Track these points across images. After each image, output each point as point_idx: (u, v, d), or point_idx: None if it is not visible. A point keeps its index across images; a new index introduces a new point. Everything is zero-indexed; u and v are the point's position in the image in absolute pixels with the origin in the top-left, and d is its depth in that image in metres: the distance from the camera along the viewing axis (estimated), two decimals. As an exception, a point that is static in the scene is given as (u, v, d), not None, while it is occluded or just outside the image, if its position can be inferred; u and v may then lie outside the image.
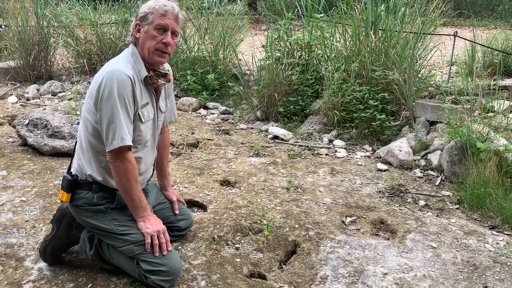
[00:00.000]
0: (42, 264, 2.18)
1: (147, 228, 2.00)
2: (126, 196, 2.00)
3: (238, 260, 2.31)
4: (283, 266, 2.37)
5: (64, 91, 5.98)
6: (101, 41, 6.29)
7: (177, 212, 2.37)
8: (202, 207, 2.94)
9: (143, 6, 2.04)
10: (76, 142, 2.16)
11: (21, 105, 5.33)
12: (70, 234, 2.15)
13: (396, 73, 4.23)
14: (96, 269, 2.16)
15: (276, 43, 5.09)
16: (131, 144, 1.95)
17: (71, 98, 5.34)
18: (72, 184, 2.05)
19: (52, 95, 5.86)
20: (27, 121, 3.86)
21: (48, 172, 3.32)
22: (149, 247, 1.98)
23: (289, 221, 2.70)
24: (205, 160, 3.69)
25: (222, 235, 2.51)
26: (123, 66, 1.97)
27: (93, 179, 2.03)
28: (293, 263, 2.36)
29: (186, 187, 3.16)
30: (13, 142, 3.94)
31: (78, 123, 3.82)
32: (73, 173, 2.09)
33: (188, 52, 5.96)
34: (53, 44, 6.50)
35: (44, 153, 3.66)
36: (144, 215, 2.02)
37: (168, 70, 2.19)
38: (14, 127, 4.00)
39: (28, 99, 5.64)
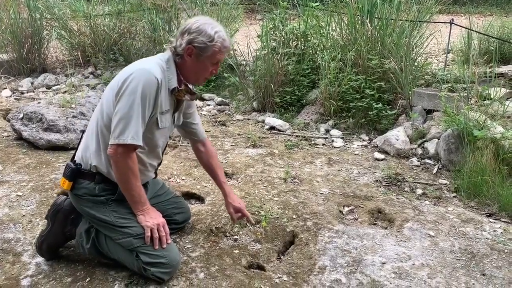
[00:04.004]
0: (40, 259, 2.17)
1: (147, 222, 1.99)
2: (125, 191, 1.98)
3: (236, 251, 2.31)
4: (282, 256, 2.37)
5: (59, 84, 5.94)
6: (95, 33, 6.23)
7: (251, 220, 2.38)
8: (199, 199, 2.93)
9: (200, 28, 1.95)
10: (83, 131, 2.14)
11: (15, 98, 5.29)
12: (65, 229, 2.13)
13: (393, 62, 4.21)
14: (94, 263, 2.15)
15: (272, 32, 5.06)
16: (141, 145, 1.93)
17: (65, 91, 5.29)
18: (75, 173, 2.03)
19: (46, 88, 5.82)
20: (21, 115, 3.82)
21: (44, 166, 3.30)
22: (149, 240, 1.97)
23: (287, 211, 2.70)
24: (201, 151, 3.67)
25: (220, 226, 2.50)
26: (154, 68, 1.94)
27: (97, 170, 2.02)
28: (291, 253, 2.36)
29: (183, 179, 3.15)
30: (8, 136, 3.91)
31: (73, 117, 3.82)
32: (77, 161, 2.07)
33: (183, 43, 5.91)
34: (47, 37, 6.44)
35: (40, 147, 3.64)
36: (143, 209, 2.01)
37: (196, 92, 2.19)
38: (8, 121, 3.97)
39: (22, 93, 5.60)
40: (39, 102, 4.05)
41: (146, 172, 2.14)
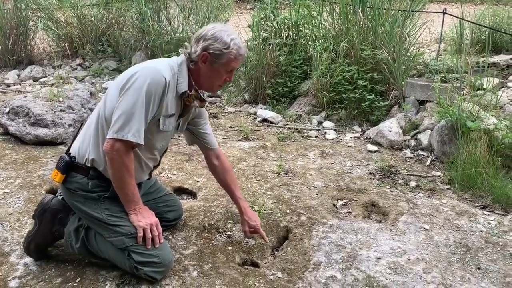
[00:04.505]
0: (28, 259, 2.11)
1: (139, 222, 1.93)
2: (119, 189, 1.92)
3: (230, 248, 2.27)
4: (276, 252, 2.33)
5: (46, 76, 5.82)
6: (82, 24, 6.12)
7: (266, 239, 2.31)
8: (191, 194, 2.88)
9: (216, 35, 1.90)
10: (82, 124, 2.07)
11: (1, 91, 5.17)
12: (53, 229, 2.07)
13: (385, 52, 4.17)
14: (84, 262, 2.09)
15: (263, 23, 4.98)
16: (142, 144, 1.87)
17: (53, 84, 5.19)
18: (69, 166, 1.97)
19: (33, 81, 5.70)
20: (7, 109, 3.73)
21: (32, 162, 3.22)
22: (141, 240, 1.92)
23: (280, 206, 2.66)
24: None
25: (213, 223, 2.46)
26: (163, 68, 1.89)
27: (92, 165, 1.95)
28: (285, 249, 2.33)
29: (174, 174, 3.09)
30: (-6, 131, 3.82)
31: (61, 110, 3.73)
32: (72, 154, 2.01)
33: (172, 33, 5.82)
34: (32, 28, 6.30)
35: (27, 142, 3.55)
36: (136, 208, 1.95)
37: (207, 98, 2.12)
38: (-6, 115, 3.87)
39: (8, 85, 5.48)
40: (25, 96, 3.95)
41: (140, 173, 2.08)
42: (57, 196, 2.15)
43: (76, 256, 2.12)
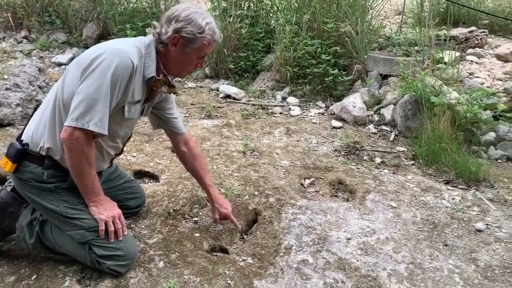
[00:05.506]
0: (-23, 257, 1.94)
1: (101, 214, 1.79)
2: (78, 180, 1.76)
3: (197, 235, 2.18)
4: (245, 236, 2.27)
5: (-12, 50, 5.37)
6: (26, -8, 5.65)
7: (237, 224, 2.25)
8: (153, 177, 2.74)
9: (190, 18, 1.74)
10: (36, 107, 1.87)
11: None
12: (3, 225, 1.90)
13: (348, 25, 4.10)
14: (40, 258, 1.94)
15: (223, -8, 4.78)
16: (106, 134, 1.70)
17: (-4, 59, 4.79)
18: (21, 154, 1.78)
19: (-27, 55, 5.24)
20: None
21: (-24, 147, 2.96)
22: (103, 234, 1.79)
23: (248, 188, 2.58)
24: (153, 124, 3.44)
25: (178, 208, 2.35)
26: (131, 51, 1.70)
27: (48, 154, 1.77)
28: (255, 233, 2.26)
29: (134, 156, 2.94)
30: None
31: (7, 89, 3.44)
32: (24, 141, 1.81)
33: (126, 3, 5.49)
34: (-31, -4, 5.77)
35: (-31, 124, 3.27)
36: (96, 200, 1.81)
37: (176, 84, 1.95)
38: None
39: None
40: (-36, 73, 3.61)
41: (101, 162, 1.92)
42: (6, 187, 1.96)
43: (31, 251, 1.96)
